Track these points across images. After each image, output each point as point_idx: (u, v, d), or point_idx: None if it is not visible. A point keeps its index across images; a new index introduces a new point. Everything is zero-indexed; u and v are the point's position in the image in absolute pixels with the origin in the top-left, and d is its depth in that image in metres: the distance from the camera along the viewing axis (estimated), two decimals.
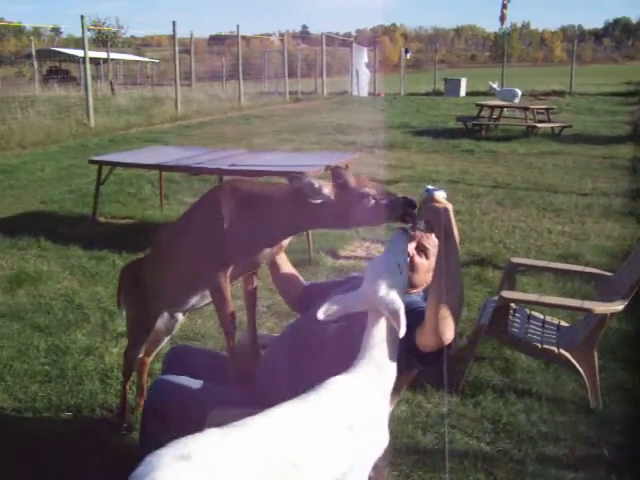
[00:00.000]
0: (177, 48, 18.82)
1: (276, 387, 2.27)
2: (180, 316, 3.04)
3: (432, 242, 2.39)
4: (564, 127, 14.70)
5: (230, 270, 2.40)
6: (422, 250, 2.44)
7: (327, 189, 2.21)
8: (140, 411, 2.83)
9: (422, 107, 21.83)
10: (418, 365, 2.28)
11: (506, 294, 3.57)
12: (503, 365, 3.85)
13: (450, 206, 2.08)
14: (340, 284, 2.66)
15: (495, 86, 18.68)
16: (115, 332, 4.20)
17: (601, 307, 3.36)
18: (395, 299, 1.99)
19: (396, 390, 2.26)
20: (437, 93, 29.67)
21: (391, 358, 2.03)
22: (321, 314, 2.09)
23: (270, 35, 46.54)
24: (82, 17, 14.81)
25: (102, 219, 7.19)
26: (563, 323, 3.90)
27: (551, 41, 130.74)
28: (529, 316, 3.89)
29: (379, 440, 1.96)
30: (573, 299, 4.01)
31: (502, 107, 15.72)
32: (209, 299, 2.56)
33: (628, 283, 3.39)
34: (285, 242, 2.61)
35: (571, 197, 8.32)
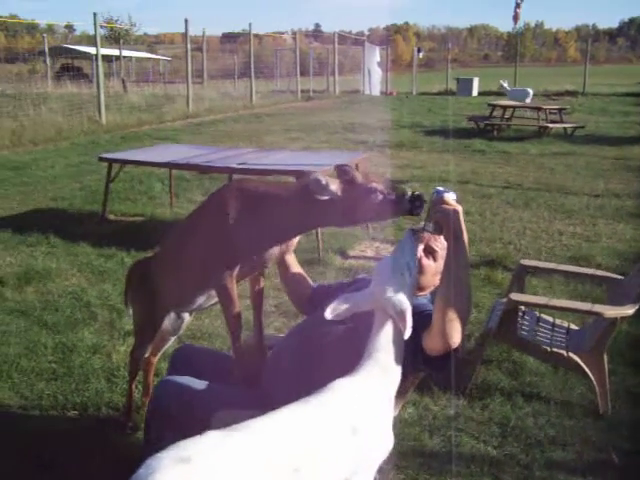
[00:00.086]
0: (189, 46, 18.85)
1: (282, 388, 2.25)
2: (187, 316, 3.03)
3: (440, 244, 2.37)
4: (577, 128, 14.60)
5: (236, 270, 2.38)
6: (430, 252, 2.42)
7: (334, 185, 2.20)
8: (145, 410, 2.82)
9: (434, 106, 21.76)
10: (425, 368, 2.27)
11: (515, 297, 3.54)
12: (511, 368, 3.82)
13: (460, 208, 2.06)
14: (347, 285, 2.65)
15: (506, 85, 18.53)
16: (122, 330, 4.20)
17: (611, 311, 3.32)
18: (402, 300, 1.97)
19: (402, 393, 2.24)
20: (449, 92, 29.57)
21: (397, 360, 2.01)
22: (329, 313, 2.07)
23: (283, 33, 46.61)
24: (95, 14, 14.84)
25: (112, 216, 7.20)
26: (573, 326, 3.86)
27: (565, 41, 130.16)
28: (538, 319, 3.85)
29: (384, 443, 1.94)
30: (583, 302, 3.96)
31: (514, 107, 15.64)
32: (216, 299, 2.55)
33: (639, 287, 3.36)
34: (294, 242, 2.59)
35: (583, 198, 8.26)
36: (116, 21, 49.42)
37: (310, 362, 2.29)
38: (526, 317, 3.84)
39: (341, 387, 1.91)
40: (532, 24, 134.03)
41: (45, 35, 29.46)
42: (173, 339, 3.23)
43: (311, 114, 19.60)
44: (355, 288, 2.46)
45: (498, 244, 6.27)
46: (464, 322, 2.05)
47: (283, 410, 1.80)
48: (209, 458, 1.50)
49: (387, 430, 1.97)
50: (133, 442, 2.99)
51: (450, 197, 2.05)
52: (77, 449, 3.00)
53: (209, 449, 1.53)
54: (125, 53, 33.97)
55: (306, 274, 2.82)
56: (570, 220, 7.23)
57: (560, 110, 15.26)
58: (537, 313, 3.92)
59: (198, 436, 1.61)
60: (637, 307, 3.28)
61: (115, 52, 31.48)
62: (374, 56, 30.95)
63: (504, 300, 3.72)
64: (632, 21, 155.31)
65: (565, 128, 14.66)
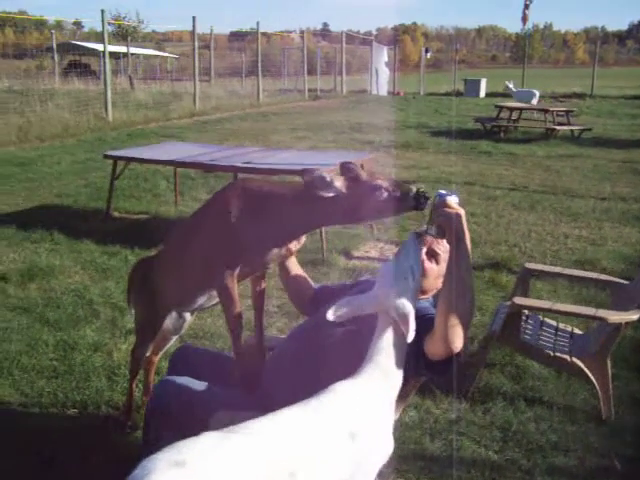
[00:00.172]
0: (196, 44, 18.85)
1: (282, 390, 2.24)
2: (188, 316, 3.02)
3: (443, 247, 2.36)
4: (584, 130, 14.54)
5: (238, 270, 2.37)
6: (433, 255, 2.41)
7: (339, 182, 2.19)
8: (144, 410, 2.81)
9: (441, 107, 21.71)
10: (427, 373, 2.25)
11: (518, 300, 3.52)
12: (514, 372, 3.79)
13: (462, 211, 2.04)
14: (350, 287, 2.64)
15: (511, 86, 18.48)
16: (124, 329, 4.19)
17: (615, 316, 3.30)
18: (405, 303, 1.96)
19: (403, 396, 2.23)
20: (457, 93, 29.51)
21: (398, 364, 2.00)
22: (331, 315, 2.06)
23: (290, 32, 46.59)
24: (102, 11, 14.84)
25: (116, 214, 7.20)
26: (577, 331, 3.84)
27: (573, 43, 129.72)
28: (542, 323, 3.83)
29: (383, 448, 1.93)
30: (587, 307, 3.94)
31: (521, 109, 15.59)
32: (217, 299, 2.54)
33: None
34: (297, 245, 2.57)
35: (589, 201, 8.22)
36: (124, 18, 49.39)
37: (311, 364, 2.28)
38: (530, 321, 3.82)
39: (341, 390, 1.89)
40: (541, 25, 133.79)
41: (53, 31, 29.59)
42: (174, 338, 3.22)
43: (318, 113, 19.58)
44: (358, 290, 2.45)
45: (503, 246, 6.24)
46: (466, 326, 2.03)
47: (281, 412, 1.79)
48: (204, 462, 1.49)
49: (387, 434, 1.95)
50: (132, 441, 2.99)
51: (453, 200, 2.04)
52: (77, 447, 3.00)
53: (204, 452, 1.52)
54: (133, 50, 34.01)
55: (308, 275, 2.81)
56: (576, 223, 7.20)
57: (567, 112, 15.21)
58: (541, 317, 3.89)
59: (194, 438, 1.60)
60: None
61: (123, 49, 31.52)
62: (382, 56, 30.90)
63: (508, 303, 3.70)
64: None
65: (572, 130, 14.61)
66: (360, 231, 6.59)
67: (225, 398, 2.33)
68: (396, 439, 1.99)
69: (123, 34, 42.11)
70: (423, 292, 2.37)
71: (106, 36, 15.38)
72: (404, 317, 1.94)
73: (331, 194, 2.18)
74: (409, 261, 2.04)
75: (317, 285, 2.80)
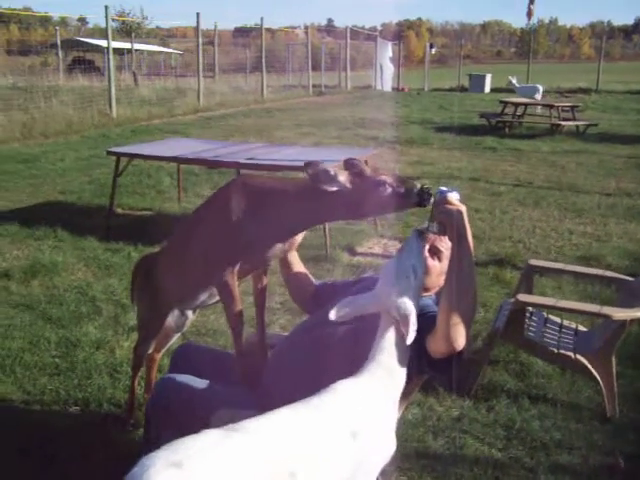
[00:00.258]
0: (200, 40, 18.83)
1: (284, 388, 2.23)
2: (190, 313, 3.01)
3: (445, 244, 2.34)
4: (589, 125, 14.49)
5: (239, 267, 2.35)
6: (435, 252, 2.39)
7: (343, 177, 2.18)
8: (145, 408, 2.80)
9: (445, 103, 21.65)
10: (429, 371, 2.23)
11: (522, 297, 3.49)
12: (518, 369, 3.77)
13: (464, 208, 2.02)
14: (352, 284, 2.63)
15: (515, 82, 18.40)
16: (127, 326, 4.18)
17: (620, 313, 3.27)
18: (407, 303, 1.94)
19: (406, 394, 2.21)
20: (462, 89, 29.43)
21: (401, 363, 1.98)
22: (333, 316, 2.05)
23: (295, 28, 46.49)
24: (106, 7, 14.84)
25: (120, 210, 7.19)
26: (581, 327, 3.81)
27: (579, 37, 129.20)
28: (546, 320, 3.81)
29: (385, 448, 1.91)
30: (591, 304, 3.91)
31: (526, 104, 15.53)
32: (218, 296, 2.52)
33: None
34: (297, 240, 2.56)
35: (594, 197, 8.19)
36: (128, 14, 49.44)
37: (313, 362, 2.27)
38: (534, 318, 3.80)
39: (343, 389, 1.88)
40: (546, 20, 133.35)
41: (58, 28, 29.56)
42: (177, 336, 3.21)
43: (322, 109, 19.56)
44: (360, 287, 2.44)
45: (507, 243, 6.22)
46: (469, 324, 2.02)
47: (282, 411, 1.77)
48: (202, 461, 1.48)
49: (389, 434, 1.93)
50: (134, 439, 2.99)
51: (454, 197, 2.02)
52: (78, 445, 2.99)
53: (202, 452, 1.50)
54: (137, 46, 33.97)
55: (311, 271, 2.79)
56: (580, 219, 7.17)
57: (573, 108, 15.14)
58: (545, 314, 3.87)
59: (194, 436, 1.59)
60: None
61: (127, 45, 31.51)
62: (386, 52, 30.84)
63: (512, 300, 3.67)
64: None
65: (577, 126, 14.55)
66: (364, 227, 6.57)
67: (226, 396, 2.32)
68: (399, 437, 1.97)
69: (127, 30, 42.16)
70: (426, 290, 2.35)
71: (110, 32, 15.38)
72: (405, 318, 1.93)
73: (334, 188, 2.16)
74: (411, 259, 2.02)
75: (318, 282, 2.79)
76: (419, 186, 2.11)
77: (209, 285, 2.53)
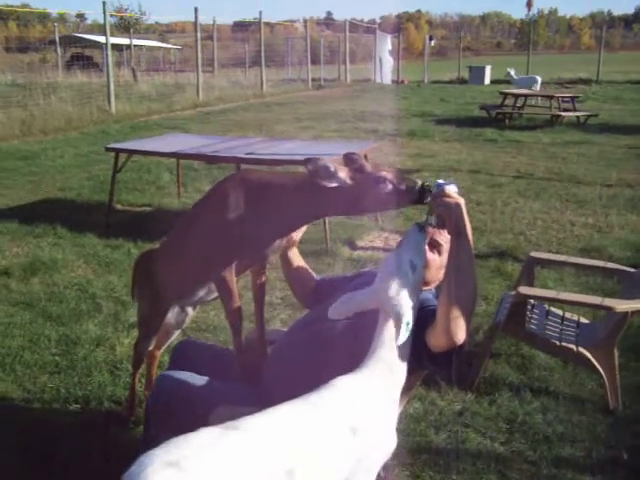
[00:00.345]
0: (199, 34, 18.79)
1: (283, 384, 2.21)
2: (190, 310, 2.99)
3: (445, 238, 2.31)
4: (590, 116, 14.44)
5: (237, 263, 2.34)
6: (435, 246, 2.37)
7: (343, 173, 2.15)
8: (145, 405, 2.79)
9: (445, 95, 21.60)
10: (429, 365, 2.21)
11: (523, 290, 3.47)
12: (520, 362, 3.76)
13: (462, 200, 2.00)
14: (351, 279, 2.61)
15: (513, 73, 18.36)
16: (127, 323, 4.17)
17: (623, 305, 3.25)
18: (402, 302, 1.91)
19: (407, 389, 2.19)
20: (461, 81, 29.37)
21: (401, 358, 1.96)
22: (332, 313, 2.03)
23: (294, 22, 46.43)
24: (104, 3, 14.78)
25: (119, 206, 7.18)
26: (583, 320, 3.79)
27: (579, 28, 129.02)
28: (547, 312, 3.78)
29: (385, 444, 1.89)
30: (593, 296, 3.89)
31: (526, 95, 15.48)
32: (217, 293, 2.51)
33: None
34: (297, 236, 2.54)
35: (595, 188, 8.15)
36: (126, 10, 49.29)
37: (312, 358, 2.25)
38: (535, 310, 3.78)
39: (343, 385, 1.86)
40: (546, 11, 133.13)
41: (56, 24, 29.55)
42: (177, 333, 3.19)
43: (322, 103, 19.52)
44: (360, 281, 2.42)
45: (508, 235, 6.20)
46: (469, 318, 2.00)
47: (280, 407, 1.75)
48: (198, 461, 1.46)
49: (390, 430, 1.91)
50: (134, 437, 2.97)
51: (452, 189, 2.00)
52: (79, 443, 2.98)
53: (199, 451, 1.49)
54: (135, 42, 33.96)
55: (312, 265, 2.78)
56: (582, 210, 7.14)
57: (573, 98, 15.08)
58: (546, 306, 3.85)
59: (192, 434, 1.57)
60: None
61: (125, 41, 31.48)
62: (386, 44, 30.80)
63: (513, 293, 3.65)
64: None
65: (578, 117, 14.50)
66: (364, 221, 6.55)
67: (226, 392, 2.31)
68: (400, 431, 1.96)
69: (126, 26, 42.09)
70: (426, 283, 2.33)
71: (108, 28, 15.34)
72: (397, 317, 1.91)
73: (334, 184, 2.14)
74: (409, 254, 2.00)
75: (319, 277, 2.77)
76: (420, 183, 2.09)
77: (207, 281, 2.51)
